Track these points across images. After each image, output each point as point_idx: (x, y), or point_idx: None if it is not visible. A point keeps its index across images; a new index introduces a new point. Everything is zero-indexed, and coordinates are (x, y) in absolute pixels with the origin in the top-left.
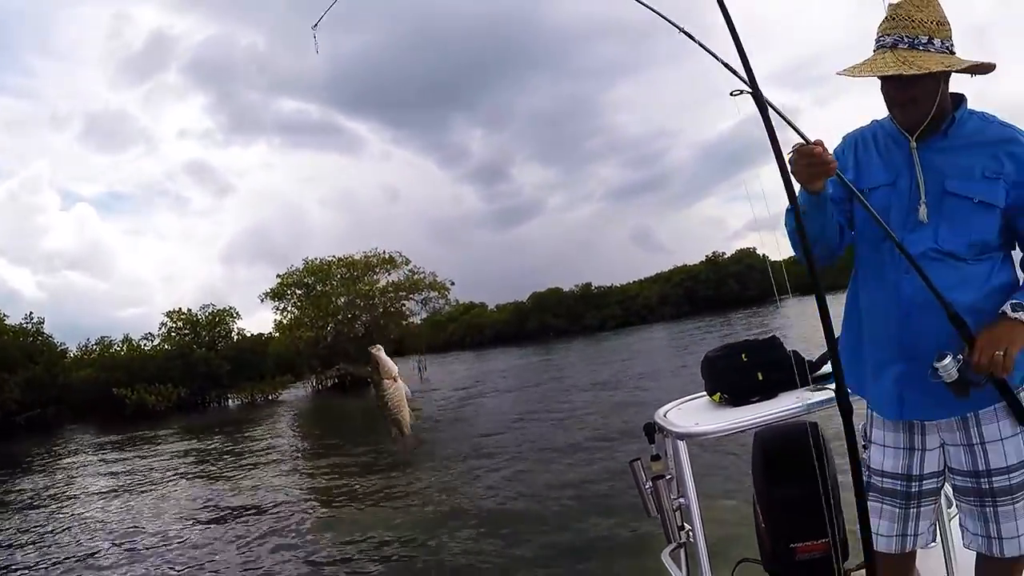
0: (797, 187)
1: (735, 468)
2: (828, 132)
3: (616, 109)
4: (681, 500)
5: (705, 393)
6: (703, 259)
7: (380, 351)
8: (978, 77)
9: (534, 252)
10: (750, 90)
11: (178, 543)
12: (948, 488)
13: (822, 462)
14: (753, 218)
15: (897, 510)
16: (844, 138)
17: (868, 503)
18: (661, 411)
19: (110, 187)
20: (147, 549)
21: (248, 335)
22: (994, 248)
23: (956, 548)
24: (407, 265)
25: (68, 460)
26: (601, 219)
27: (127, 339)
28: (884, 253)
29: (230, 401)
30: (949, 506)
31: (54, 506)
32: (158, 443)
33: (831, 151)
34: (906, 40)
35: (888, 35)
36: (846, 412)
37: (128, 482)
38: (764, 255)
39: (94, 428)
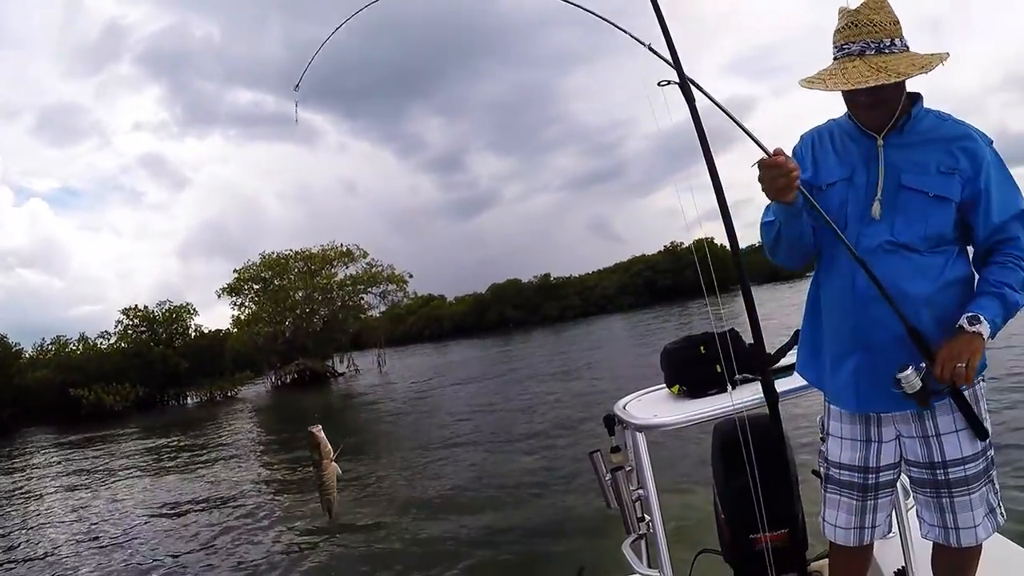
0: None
1: (696, 460)
2: (787, 122)
3: (572, 98)
4: (640, 491)
5: (664, 385)
6: (661, 249)
7: (320, 431)
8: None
9: (492, 243)
10: (678, 81)
11: (137, 542)
12: (905, 479)
13: (781, 452)
14: (711, 208)
15: (854, 502)
16: (801, 138)
17: (826, 495)
18: (620, 403)
19: (64, 182)
20: (105, 548)
21: (206, 331)
22: (949, 241)
23: (914, 539)
24: (365, 258)
25: (25, 462)
26: (559, 209)
27: (83, 338)
28: (841, 247)
29: (189, 399)
30: (907, 497)
31: (10, 508)
32: (117, 443)
33: (790, 152)
34: (872, 46)
35: (853, 42)
36: (772, 404)
37: (86, 482)
38: (721, 244)
39: (52, 430)
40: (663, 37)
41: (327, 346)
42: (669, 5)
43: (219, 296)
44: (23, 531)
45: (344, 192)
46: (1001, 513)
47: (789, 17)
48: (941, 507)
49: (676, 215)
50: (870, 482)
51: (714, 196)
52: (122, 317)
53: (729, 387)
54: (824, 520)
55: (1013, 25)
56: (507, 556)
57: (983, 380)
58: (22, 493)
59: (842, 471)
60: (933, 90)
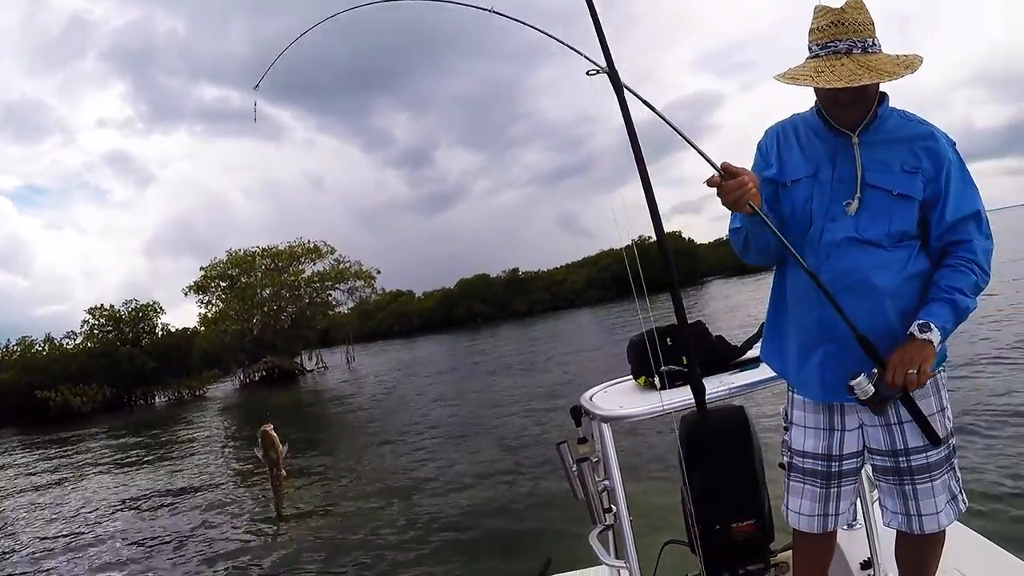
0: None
1: (663, 451)
2: (754, 118)
3: (540, 94)
4: (607, 482)
5: (631, 376)
6: (629, 243)
7: (272, 430)
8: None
9: (461, 238)
10: (607, 70)
11: (106, 539)
12: (869, 469)
13: (747, 443)
14: (680, 202)
15: (818, 490)
16: (767, 132)
17: (790, 483)
18: (587, 394)
19: (27, 180)
20: (74, 546)
21: (173, 330)
22: (912, 237)
23: (879, 530)
24: (332, 254)
25: None
26: (527, 204)
27: (48, 338)
28: (804, 242)
29: (157, 399)
30: (872, 489)
31: None
32: (85, 444)
33: (756, 147)
34: (859, 45)
35: (839, 40)
36: (698, 391)
37: (55, 482)
38: (689, 238)
39: (18, 432)
40: (594, 28)
41: (295, 343)
42: (634, 2)
43: (186, 294)
44: None
45: (311, 188)
46: (963, 500)
47: (754, 14)
48: (904, 494)
49: (643, 209)
50: (833, 470)
51: (686, 189)
52: (88, 317)
53: (658, 382)
54: (788, 508)
55: (979, 24)
56: (475, 548)
57: (944, 370)
58: None
59: (805, 459)
60: (899, 87)
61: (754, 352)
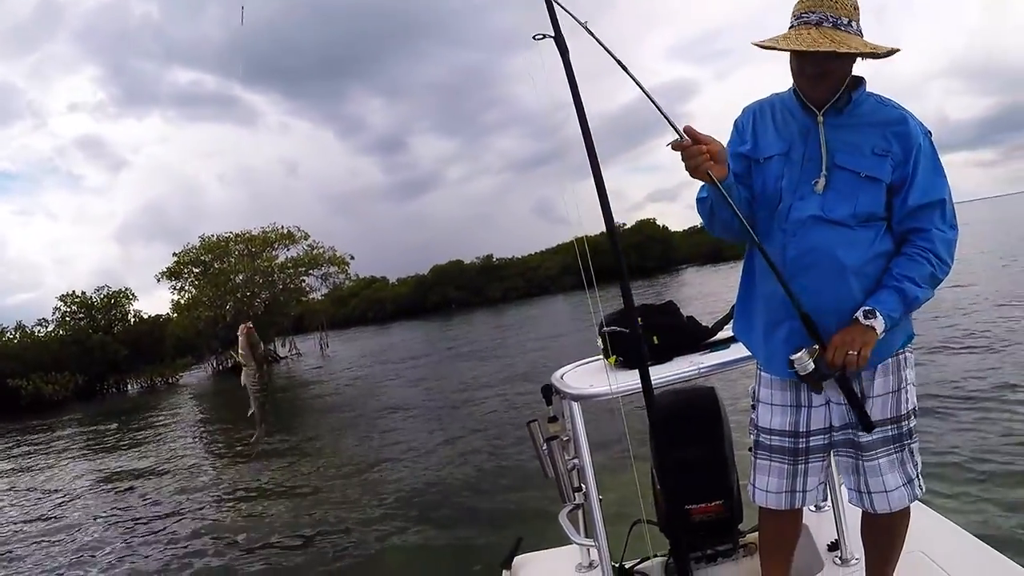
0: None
1: (634, 431)
2: (728, 106)
3: (515, 80)
4: (576, 461)
5: (601, 356)
6: (603, 230)
7: (253, 330)
8: (870, 60)
9: (435, 225)
10: (552, 35)
11: (81, 526)
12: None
13: (717, 424)
14: (655, 189)
15: (785, 467)
16: (744, 110)
17: (756, 461)
18: (558, 373)
19: None
20: (49, 532)
21: (146, 317)
22: (879, 219)
23: (846, 511)
24: (306, 240)
25: None
26: (502, 191)
27: (20, 326)
28: (774, 218)
29: (129, 387)
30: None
31: None
32: (57, 433)
33: (732, 124)
34: (830, 19)
35: (813, 12)
36: (644, 378)
37: (26, 470)
38: (663, 225)
39: None
40: None
41: (269, 330)
42: None
43: (158, 280)
44: None
45: (285, 173)
46: (919, 485)
47: (733, 2)
48: (857, 470)
49: (618, 197)
50: (800, 446)
51: (655, 177)
52: (59, 304)
53: (698, 354)
54: (754, 486)
55: (957, 14)
56: (446, 528)
57: (910, 351)
58: None
59: (772, 436)
60: (875, 74)
61: (725, 333)
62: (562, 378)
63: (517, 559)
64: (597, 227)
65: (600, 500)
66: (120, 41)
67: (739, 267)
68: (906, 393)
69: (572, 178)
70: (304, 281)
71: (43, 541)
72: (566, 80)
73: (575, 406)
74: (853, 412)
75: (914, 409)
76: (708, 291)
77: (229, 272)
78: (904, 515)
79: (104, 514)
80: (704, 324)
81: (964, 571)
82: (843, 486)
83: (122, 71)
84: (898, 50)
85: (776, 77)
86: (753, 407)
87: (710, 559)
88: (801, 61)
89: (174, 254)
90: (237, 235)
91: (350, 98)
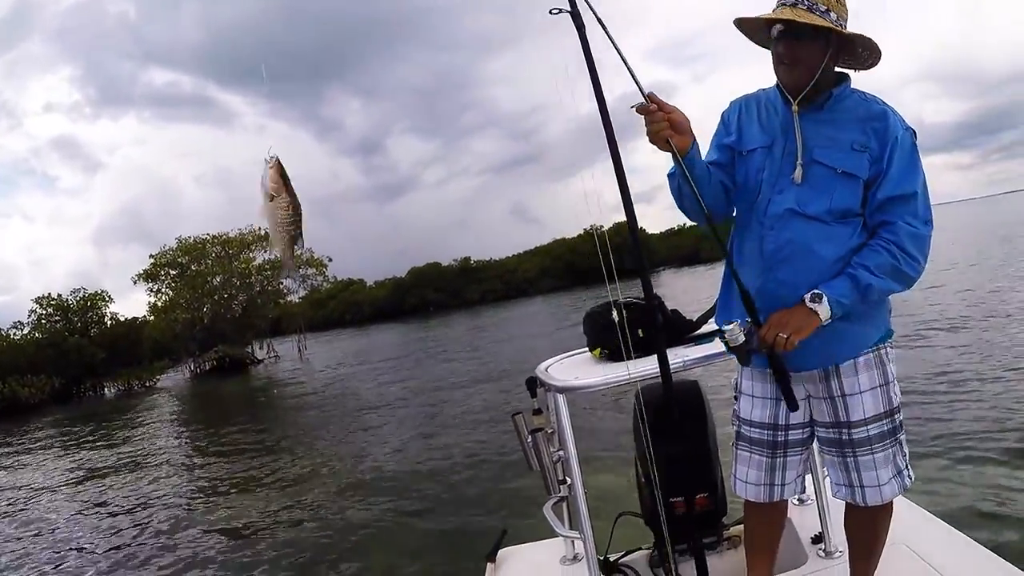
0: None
1: (620, 424)
2: (705, 109)
3: (492, 83)
4: (561, 453)
5: (587, 348)
6: (581, 232)
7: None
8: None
9: (412, 227)
10: (569, 9)
11: (58, 529)
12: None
13: (701, 418)
14: (632, 192)
15: (765, 459)
16: (732, 103)
17: (737, 452)
18: (543, 365)
19: None
20: (26, 537)
21: (122, 319)
22: (855, 215)
23: (830, 504)
24: None
25: None
26: (479, 193)
27: None
28: (752, 210)
29: (106, 390)
30: (824, 464)
31: None
32: (32, 437)
33: (719, 116)
34: (806, 3)
35: None
36: (663, 361)
37: (2, 473)
38: (642, 228)
39: None
40: None
41: (247, 332)
42: None
43: (135, 283)
44: None
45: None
46: (909, 476)
47: (708, 5)
48: (847, 466)
49: (594, 199)
50: (779, 439)
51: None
52: (35, 306)
53: (683, 347)
54: (736, 477)
55: (931, 19)
56: (430, 521)
57: (891, 346)
58: None
59: (752, 428)
60: (852, 78)
61: (709, 326)
62: (547, 370)
63: (502, 552)
64: (573, 231)
65: (585, 492)
66: (96, 41)
67: (715, 268)
68: (894, 387)
69: (550, 180)
70: (282, 283)
71: (20, 540)
72: (582, 57)
73: (560, 398)
74: (780, 389)
75: (901, 402)
76: (686, 287)
77: (206, 274)
78: (889, 506)
79: (80, 521)
80: (687, 318)
81: (946, 563)
82: (827, 480)
83: (98, 71)
84: (874, 55)
85: (752, 80)
86: (736, 398)
87: (694, 552)
88: (776, 45)
89: (151, 256)
90: (214, 237)
91: (328, 99)
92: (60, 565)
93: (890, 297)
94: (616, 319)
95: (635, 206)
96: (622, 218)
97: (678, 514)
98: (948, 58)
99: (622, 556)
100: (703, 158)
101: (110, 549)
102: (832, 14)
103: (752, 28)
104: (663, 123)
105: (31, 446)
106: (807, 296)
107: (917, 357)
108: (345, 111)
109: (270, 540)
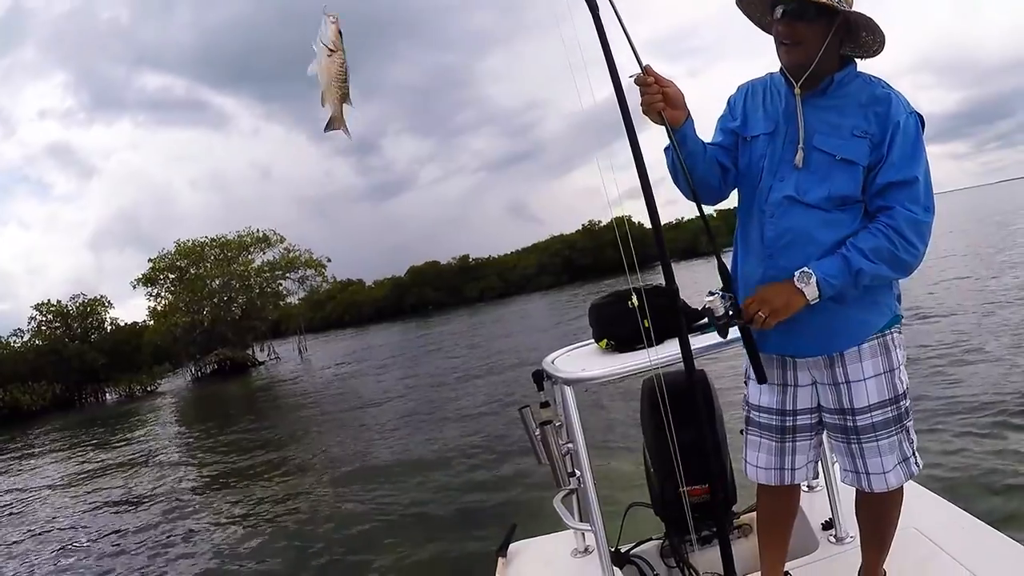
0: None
1: (627, 416)
2: (702, 101)
3: (488, 81)
4: (570, 446)
5: (592, 340)
6: (579, 228)
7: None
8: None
9: (410, 226)
10: None
11: (63, 535)
12: None
13: (709, 407)
14: (631, 187)
15: (774, 444)
16: (739, 88)
17: (748, 437)
18: (549, 358)
19: None
20: (28, 543)
21: (122, 324)
22: (855, 202)
23: (839, 488)
24: (282, 243)
25: None
26: (476, 191)
27: None
28: (754, 196)
29: (108, 395)
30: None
31: None
32: (34, 444)
33: (726, 100)
34: None
35: None
36: (684, 346)
37: (4, 481)
38: (639, 223)
39: None
40: None
41: (247, 335)
42: None
43: (134, 287)
44: None
45: (259, 178)
46: (916, 462)
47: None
48: (852, 453)
49: (594, 194)
50: (787, 424)
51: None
52: (35, 313)
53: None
54: (747, 462)
55: (926, 8)
56: (440, 517)
57: (897, 331)
58: None
59: (761, 414)
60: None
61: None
62: (553, 363)
63: (512, 546)
64: (571, 227)
65: (595, 484)
66: (88, 46)
67: (712, 263)
68: (900, 373)
69: (547, 177)
70: (281, 284)
71: (22, 543)
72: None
73: (568, 390)
74: (752, 366)
75: (907, 388)
76: (684, 284)
77: (205, 277)
78: (898, 492)
79: (83, 528)
80: (693, 307)
81: (957, 546)
82: (836, 465)
83: (91, 76)
84: (878, 39)
85: (748, 74)
86: (745, 383)
87: (705, 541)
88: (777, 25)
89: (149, 260)
90: (212, 240)
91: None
92: (64, 570)
93: (898, 283)
94: (634, 305)
95: (634, 200)
96: (624, 212)
97: (691, 502)
98: (943, 47)
99: (633, 547)
100: (706, 140)
101: (114, 554)
102: None
103: (754, 9)
104: (658, 96)
105: (33, 453)
106: (796, 274)
107: (922, 338)
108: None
109: (279, 540)
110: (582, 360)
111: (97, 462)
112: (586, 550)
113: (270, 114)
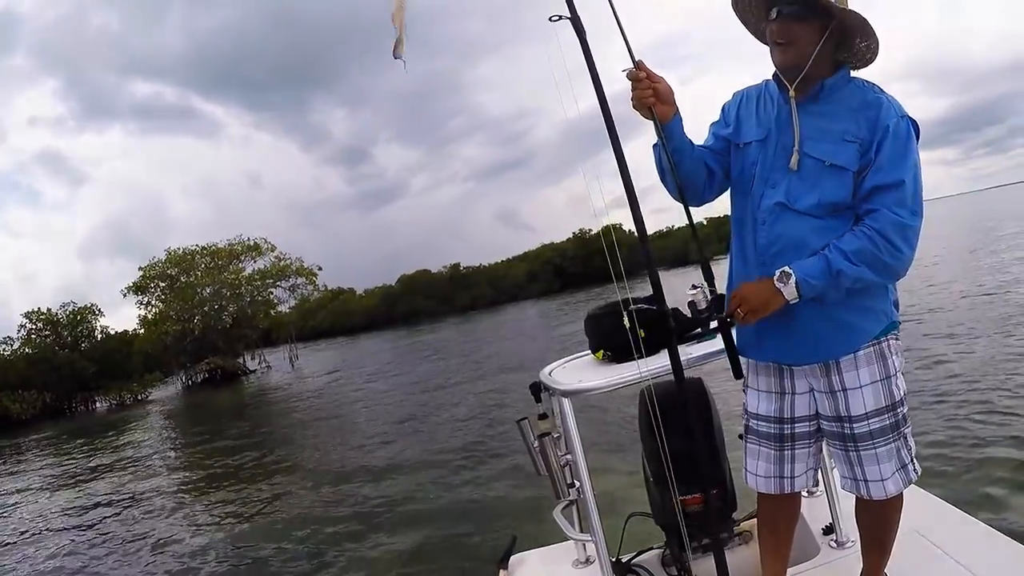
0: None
1: (625, 426)
2: (693, 109)
3: (478, 89)
4: (568, 457)
5: (589, 351)
6: (570, 236)
7: None
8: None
9: (400, 235)
10: (569, 16)
11: (52, 544)
12: None
13: (707, 416)
14: (620, 195)
15: (773, 452)
16: (734, 94)
17: (747, 445)
18: (546, 370)
19: None
20: (17, 549)
21: (113, 332)
22: (846, 208)
23: (839, 494)
24: (273, 252)
25: None
26: (467, 199)
27: None
28: (747, 203)
29: (98, 404)
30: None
31: None
32: (23, 453)
33: (723, 105)
34: None
35: None
36: (673, 356)
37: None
38: (629, 230)
39: None
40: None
41: (237, 343)
42: None
43: (124, 295)
44: None
45: (249, 185)
46: (914, 469)
47: (691, 8)
48: (850, 460)
49: (584, 203)
50: (786, 432)
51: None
52: (25, 321)
53: (685, 346)
54: (747, 470)
55: (914, 15)
56: (439, 530)
57: (894, 338)
58: None
59: (760, 422)
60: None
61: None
62: (550, 375)
63: (513, 558)
64: (562, 235)
65: (595, 494)
66: (79, 53)
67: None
68: (897, 380)
69: (538, 185)
70: (272, 293)
71: (9, 555)
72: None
73: (566, 402)
74: (729, 361)
75: (905, 395)
76: (671, 292)
77: (196, 285)
78: (898, 498)
79: (72, 536)
80: (686, 315)
81: (959, 549)
82: (835, 471)
83: (81, 84)
84: (872, 46)
85: (736, 84)
86: (744, 391)
87: (706, 549)
88: (770, 26)
89: (140, 268)
90: (203, 248)
91: (313, 108)
92: (51, 573)
93: (896, 288)
94: (626, 321)
95: (623, 209)
96: (613, 220)
97: (689, 511)
98: (931, 53)
99: (634, 556)
100: (695, 140)
101: (103, 555)
102: None
103: (750, 15)
104: (648, 91)
105: (22, 461)
106: (776, 273)
107: (920, 346)
108: (330, 119)
109: (270, 544)
110: (579, 372)
111: (87, 470)
112: (587, 560)
113: (260, 122)
